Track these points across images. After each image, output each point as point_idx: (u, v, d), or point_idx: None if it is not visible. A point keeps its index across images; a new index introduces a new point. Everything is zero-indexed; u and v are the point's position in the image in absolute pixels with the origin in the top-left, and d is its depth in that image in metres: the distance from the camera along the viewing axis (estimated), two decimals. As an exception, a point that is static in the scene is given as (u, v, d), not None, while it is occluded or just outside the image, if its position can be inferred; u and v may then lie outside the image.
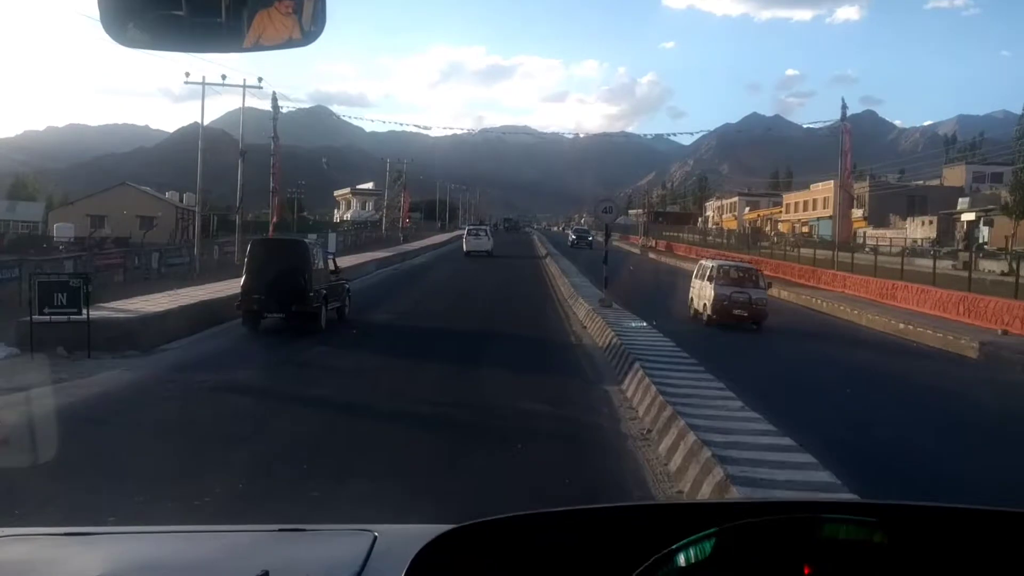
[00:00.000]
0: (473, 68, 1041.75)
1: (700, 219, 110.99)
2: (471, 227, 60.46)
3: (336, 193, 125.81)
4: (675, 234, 79.72)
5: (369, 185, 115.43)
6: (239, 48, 1.32)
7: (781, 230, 79.07)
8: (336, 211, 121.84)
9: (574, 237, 76.82)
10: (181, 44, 1.35)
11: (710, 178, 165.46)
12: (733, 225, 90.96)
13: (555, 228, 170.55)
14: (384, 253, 47.54)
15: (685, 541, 0.98)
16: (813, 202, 79.77)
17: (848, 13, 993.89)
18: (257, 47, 1.31)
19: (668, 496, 6.88)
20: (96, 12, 1.29)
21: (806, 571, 0.97)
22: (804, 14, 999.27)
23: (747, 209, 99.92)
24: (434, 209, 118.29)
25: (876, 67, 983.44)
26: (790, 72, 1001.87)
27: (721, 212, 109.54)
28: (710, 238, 72.14)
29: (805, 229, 74.28)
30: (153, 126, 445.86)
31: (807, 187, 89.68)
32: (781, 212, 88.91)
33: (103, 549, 1.55)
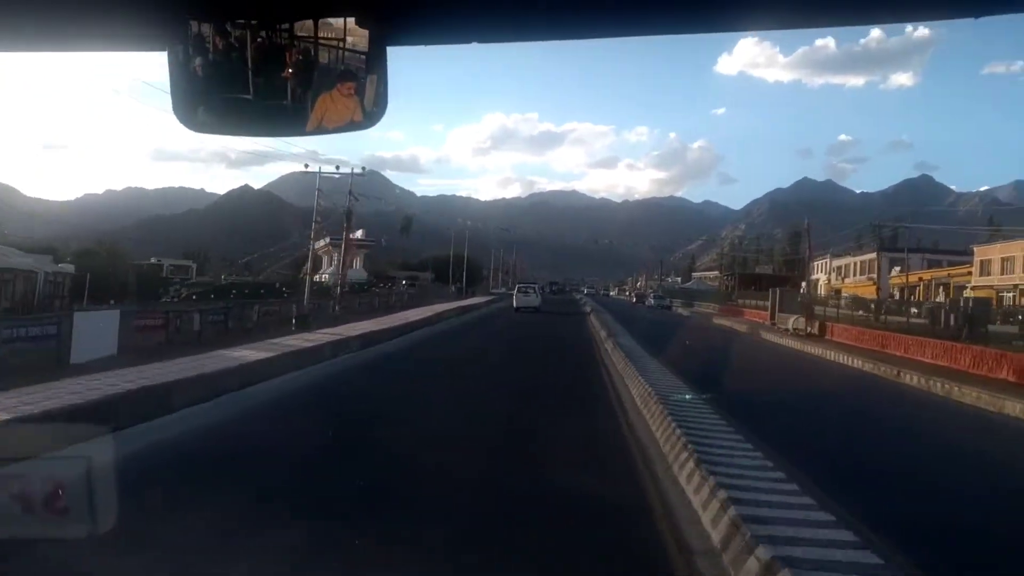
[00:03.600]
0: (525, 134, 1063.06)
1: (804, 283, 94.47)
2: (520, 285, 63.86)
3: (318, 245, 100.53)
4: (758, 302, 58.30)
5: (358, 234, 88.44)
6: (302, 132, 1.35)
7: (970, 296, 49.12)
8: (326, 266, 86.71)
9: (652, 302, 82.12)
10: (247, 128, 1.38)
11: (763, 243, 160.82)
12: (867, 291, 67.97)
13: (609, 292, 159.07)
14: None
15: None
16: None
17: (902, 79, 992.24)
18: (320, 130, 1.34)
19: None
20: (162, 89, 1.34)
21: None
22: (857, 80, 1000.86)
23: (896, 270, 70.91)
24: (447, 268, 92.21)
25: (931, 133, 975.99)
26: (843, 138, 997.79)
27: (841, 274, 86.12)
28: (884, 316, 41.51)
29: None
30: (208, 189, 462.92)
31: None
32: (966, 273, 62.45)
33: None
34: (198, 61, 1.32)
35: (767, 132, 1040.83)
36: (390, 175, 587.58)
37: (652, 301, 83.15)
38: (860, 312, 44.67)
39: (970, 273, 61.91)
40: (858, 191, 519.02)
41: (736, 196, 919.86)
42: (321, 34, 1.34)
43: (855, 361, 26.53)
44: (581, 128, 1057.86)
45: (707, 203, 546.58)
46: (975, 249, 64.01)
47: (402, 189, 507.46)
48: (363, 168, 42.77)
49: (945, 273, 64.71)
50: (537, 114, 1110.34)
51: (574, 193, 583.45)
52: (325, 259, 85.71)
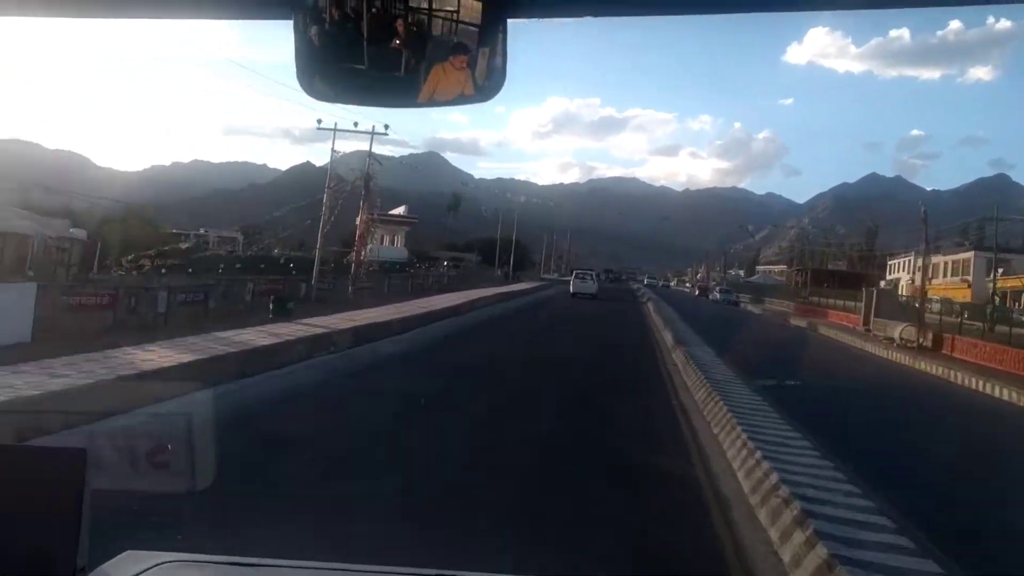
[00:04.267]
0: (586, 119, 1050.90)
1: (884, 282, 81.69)
2: (578, 272, 62.46)
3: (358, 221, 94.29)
4: (834, 301, 56.82)
5: (400, 210, 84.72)
6: (414, 103, 1.36)
7: None
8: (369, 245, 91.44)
9: (719, 296, 75.71)
10: (361, 98, 1.40)
11: (826, 238, 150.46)
12: (959, 294, 61.88)
13: (670, 283, 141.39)
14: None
15: None
16: None
17: (980, 73, 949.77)
18: (432, 103, 1.34)
19: None
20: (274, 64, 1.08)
21: None
22: (932, 73, 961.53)
23: (999, 271, 62.99)
24: (495, 250, 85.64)
25: (1008, 130, 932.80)
26: (915, 132, 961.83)
27: (929, 274, 77.23)
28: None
29: None
30: (271, 165, 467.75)
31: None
32: None
33: None
34: (315, 30, 1.33)
35: (835, 124, 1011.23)
36: (450, 157, 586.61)
37: (718, 295, 76.80)
38: (956, 318, 35.66)
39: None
40: (929, 188, 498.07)
41: (800, 189, 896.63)
42: (435, 5, 1.34)
43: (1004, 392, 19.47)
44: (643, 115, 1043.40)
45: (770, 195, 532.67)
46: None
47: (461, 171, 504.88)
48: (386, 126, 37.24)
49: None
50: (599, 99, 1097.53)
51: (634, 180, 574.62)
52: (369, 236, 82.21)
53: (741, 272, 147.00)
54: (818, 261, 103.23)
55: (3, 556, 1.16)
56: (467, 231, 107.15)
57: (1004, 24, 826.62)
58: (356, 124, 36.48)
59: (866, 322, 36.73)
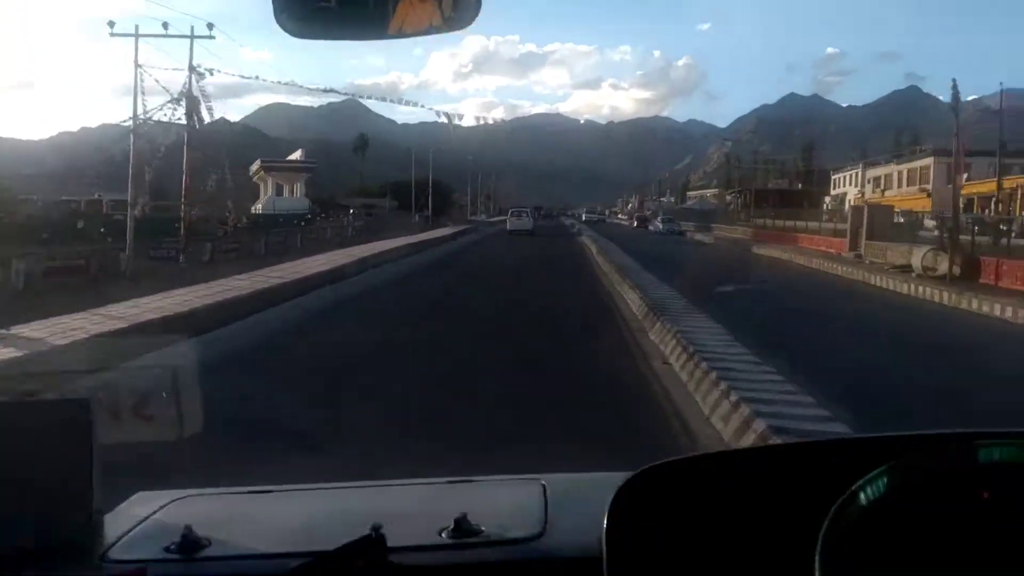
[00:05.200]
0: (506, 57, 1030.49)
1: (829, 198, 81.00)
2: (514, 209, 63.27)
3: (252, 170, 72.99)
4: (785, 222, 51.89)
5: (296, 155, 76.29)
6: (384, 35, 1.35)
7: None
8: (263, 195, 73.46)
9: (661, 226, 68.63)
10: (332, 33, 1.40)
11: (754, 160, 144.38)
12: (920, 205, 55.53)
13: (606, 216, 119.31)
14: None
15: (863, 481, 1.02)
16: None
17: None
18: (401, 34, 1.35)
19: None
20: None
21: (979, 496, 1.00)
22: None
23: (963, 177, 44.01)
24: (410, 193, 75.81)
25: (919, 43, 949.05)
26: (830, 51, 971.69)
27: (881, 186, 70.92)
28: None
29: None
30: (184, 122, 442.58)
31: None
32: None
33: (287, 504, 1.59)
34: None
35: (752, 47, 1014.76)
36: (368, 102, 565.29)
37: (660, 225, 69.44)
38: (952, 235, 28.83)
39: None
40: (844, 104, 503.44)
41: (722, 114, 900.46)
42: None
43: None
44: (563, 49, 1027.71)
45: (692, 122, 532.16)
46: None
47: (381, 117, 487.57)
48: (210, 25, 28.28)
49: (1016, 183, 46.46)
50: (518, 36, 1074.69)
51: (558, 116, 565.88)
52: (261, 187, 69.23)
53: (672, 200, 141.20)
54: (750, 182, 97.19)
55: (21, 504, 1.22)
56: (387, 177, 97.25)
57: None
58: (166, 25, 26.26)
59: (854, 246, 30.24)
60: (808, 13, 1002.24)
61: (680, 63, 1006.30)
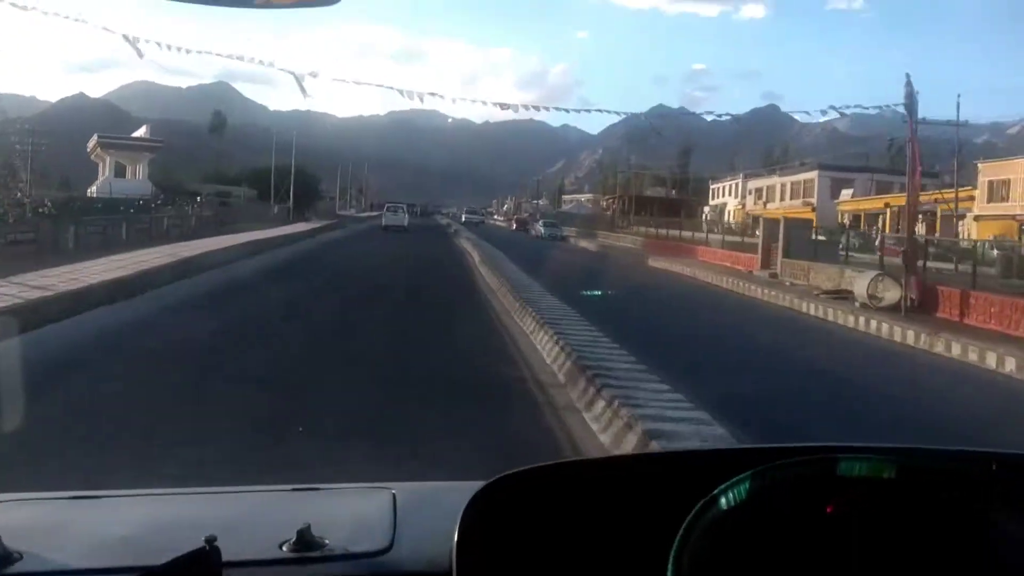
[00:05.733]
0: (385, 50, 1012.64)
1: (709, 208, 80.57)
2: (390, 204, 65.06)
3: (89, 146, 64.25)
4: (670, 231, 51.38)
5: (140, 132, 66.73)
6: (251, 3, 1.34)
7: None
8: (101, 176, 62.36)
9: (543, 230, 64.16)
10: None
11: (625, 167, 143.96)
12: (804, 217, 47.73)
13: (484, 218, 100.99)
14: None
15: (725, 485, 1.02)
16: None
17: (753, 11, 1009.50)
18: (268, 4, 1.33)
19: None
20: None
21: (829, 509, 1.03)
22: (711, 10, 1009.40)
23: (847, 193, 56.76)
24: (265, 180, 68.92)
25: (778, 63, 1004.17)
26: (696, 66, 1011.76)
27: (763, 197, 70.20)
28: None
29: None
30: (40, 97, 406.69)
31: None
32: (966, 198, 47.55)
33: (113, 512, 1.46)
34: None
35: (625, 58, 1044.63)
36: (242, 88, 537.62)
37: (542, 229, 65.24)
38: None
39: (972, 198, 47.43)
40: (709, 118, 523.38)
41: (593, 121, 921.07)
42: None
43: None
44: (443, 46, 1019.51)
45: (566, 127, 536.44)
46: (980, 166, 49.91)
47: (253, 103, 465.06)
48: None
49: (932, 198, 42.57)
50: (399, 29, 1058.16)
51: (436, 113, 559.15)
52: (100, 167, 60.09)
53: (547, 203, 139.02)
54: (624, 188, 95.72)
55: None
56: (249, 163, 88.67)
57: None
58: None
59: (766, 264, 27.22)
60: (678, 29, 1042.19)
61: (557, 69, 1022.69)
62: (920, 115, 20.11)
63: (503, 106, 17.48)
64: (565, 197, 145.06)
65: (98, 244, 25.53)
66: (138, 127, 71.86)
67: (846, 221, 53.52)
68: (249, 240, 29.65)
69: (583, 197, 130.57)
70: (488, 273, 23.30)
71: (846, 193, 57.20)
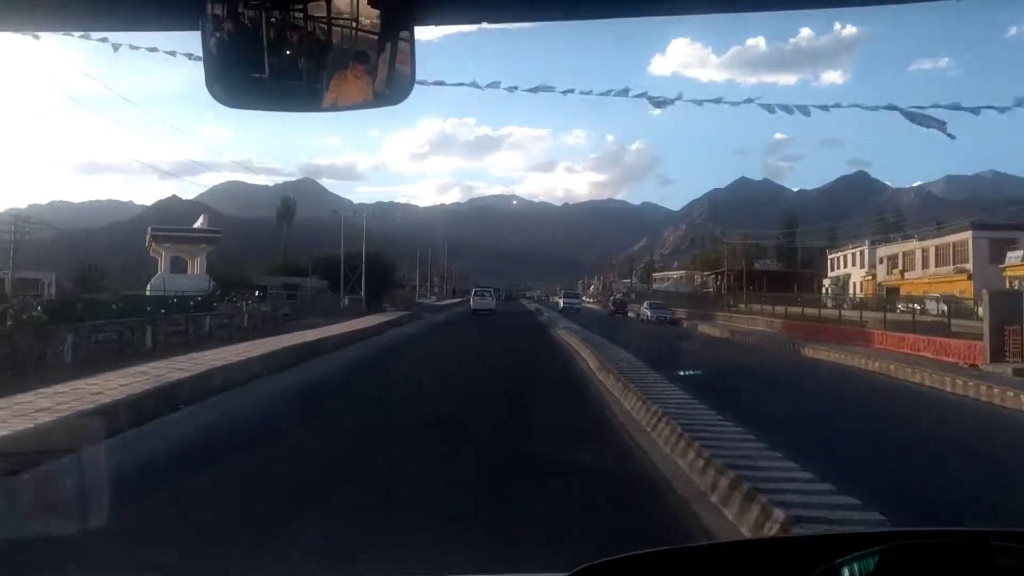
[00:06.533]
0: (462, 139, 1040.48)
1: (829, 280, 74.29)
2: (477, 288, 67.27)
3: (147, 242, 60.20)
4: (801, 309, 44.90)
5: (199, 222, 62.65)
6: (318, 108, 1.35)
7: None
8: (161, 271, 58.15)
9: (649, 313, 57.21)
10: (265, 104, 1.37)
11: (717, 239, 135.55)
12: (956, 288, 48.65)
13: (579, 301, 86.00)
14: None
15: (851, 556, 0.97)
16: None
17: (832, 77, 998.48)
18: (334, 107, 1.35)
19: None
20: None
21: None
22: (789, 79, 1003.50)
23: (1016, 255, 48.28)
24: (338, 270, 64.52)
25: (862, 130, 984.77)
26: (778, 136, 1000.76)
27: (898, 265, 62.54)
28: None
29: None
30: (137, 201, 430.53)
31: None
32: None
33: None
34: (217, 39, 1.35)
35: (703, 133, 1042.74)
36: (326, 183, 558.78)
37: (648, 312, 57.40)
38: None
39: None
40: (795, 188, 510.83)
41: (675, 197, 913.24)
42: (334, 13, 1.35)
43: None
44: (518, 132, 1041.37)
45: (646, 204, 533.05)
46: None
47: (337, 197, 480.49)
48: None
49: None
50: (474, 119, 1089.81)
51: (514, 197, 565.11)
52: (158, 262, 55.84)
53: (636, 281, 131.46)
54: (720, 263, 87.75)
55: None
56: (323, 254, 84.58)
57: (851, 30, 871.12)
58: None
59: (1000, 354, 19.02)
60: (754, 99, 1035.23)
61: (633, 147, 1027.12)
62: None
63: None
64: (655, 275, 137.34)
65: (113, 353, 20.74)
66: (226, 225, 69.11)
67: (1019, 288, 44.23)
68: (285, 346, 23.08)
69: (675, 274, 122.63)
70: (614, 385, 16.01)
71: (1013, 256, 47.09)
